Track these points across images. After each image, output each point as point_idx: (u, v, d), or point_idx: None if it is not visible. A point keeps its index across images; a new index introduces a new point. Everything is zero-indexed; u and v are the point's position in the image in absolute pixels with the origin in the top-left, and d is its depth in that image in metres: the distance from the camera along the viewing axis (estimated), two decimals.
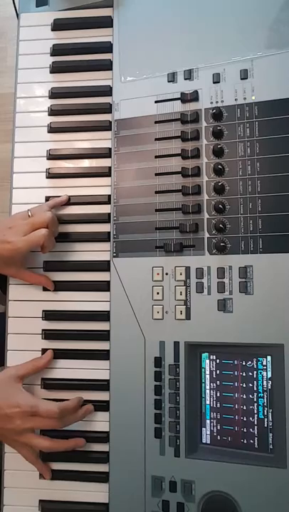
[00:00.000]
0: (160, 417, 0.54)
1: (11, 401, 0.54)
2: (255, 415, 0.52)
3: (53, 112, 0.64)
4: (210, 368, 0.54)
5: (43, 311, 0.60)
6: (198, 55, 0.58)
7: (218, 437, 0.53)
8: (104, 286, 0.59)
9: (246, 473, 0.50)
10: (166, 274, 0.56)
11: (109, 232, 0.60)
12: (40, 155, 0.63)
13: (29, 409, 0.54)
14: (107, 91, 0.63)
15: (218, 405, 0.54)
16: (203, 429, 0.54)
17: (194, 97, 0.57)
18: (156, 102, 0.59)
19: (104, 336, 0.58)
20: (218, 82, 0.57)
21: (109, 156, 0.61)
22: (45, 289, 0.61)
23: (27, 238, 0.56)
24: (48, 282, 0.60)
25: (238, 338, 0.52)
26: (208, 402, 0.54)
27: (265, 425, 0.51)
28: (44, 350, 0.59)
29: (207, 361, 0.55)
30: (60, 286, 0.61)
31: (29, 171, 0.62)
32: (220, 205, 0.54)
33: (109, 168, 0.61)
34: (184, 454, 0.53)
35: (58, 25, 0.66)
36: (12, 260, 0.57)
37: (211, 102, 0.57)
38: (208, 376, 0.54)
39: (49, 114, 0.64)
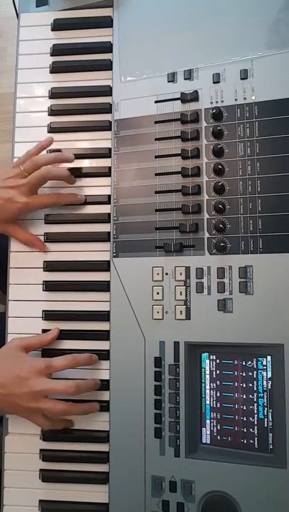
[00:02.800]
0: (160, 417, 0.54)
1: (23, 364, 0.54)
2: (255, 415, 0.52)
3: (53, 112, 0.64)
4: (210, 368, 0.54)
5: (43, 311, 0.60)
6: (198, 55, 0.58)
7: (218, 437, 0.53)
8: (104, 287, 0.59)
9: (246, 473, 0.50)
10: (166, 274, 0.56)
11: (109, 232, 0.60)
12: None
13: (43, 367, 0.54)
14: (107, 91, 0.63)
15: (218, 405, 0.54)
16: (203, 429, 0.54)
17: (194, 97, 0.57)
18: (156, 102, 0.59)
19: (104, 335, 0.58)
20: (218, 82, 0.57)
21: (109, 156, 0.61)
22: (45, 289, 0.61)
23: (40, 199, 0.60)
24: (38, 242, 0.61)
25: (238, 338, 0.52)
26: (208, 402, 0.54)
27: (265, 425, 0.51)
28: (44, 351, 0.59)
29: (207, 361, 0.55)
30: (60, 286, 0.61)
31: None
32: (220, 205, 0.54)
33: (109, 168, 0.61)
34: (184, 454, 0.53)
35: (58, 25, 0.66)
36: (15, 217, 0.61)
37: (211, 102, 0.57)
38: (208, 376, 0.54)
39: (49, 114, 0.64)
